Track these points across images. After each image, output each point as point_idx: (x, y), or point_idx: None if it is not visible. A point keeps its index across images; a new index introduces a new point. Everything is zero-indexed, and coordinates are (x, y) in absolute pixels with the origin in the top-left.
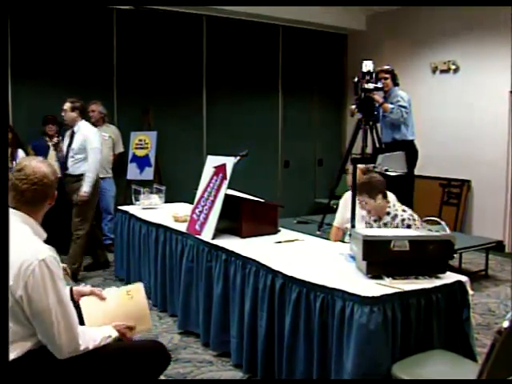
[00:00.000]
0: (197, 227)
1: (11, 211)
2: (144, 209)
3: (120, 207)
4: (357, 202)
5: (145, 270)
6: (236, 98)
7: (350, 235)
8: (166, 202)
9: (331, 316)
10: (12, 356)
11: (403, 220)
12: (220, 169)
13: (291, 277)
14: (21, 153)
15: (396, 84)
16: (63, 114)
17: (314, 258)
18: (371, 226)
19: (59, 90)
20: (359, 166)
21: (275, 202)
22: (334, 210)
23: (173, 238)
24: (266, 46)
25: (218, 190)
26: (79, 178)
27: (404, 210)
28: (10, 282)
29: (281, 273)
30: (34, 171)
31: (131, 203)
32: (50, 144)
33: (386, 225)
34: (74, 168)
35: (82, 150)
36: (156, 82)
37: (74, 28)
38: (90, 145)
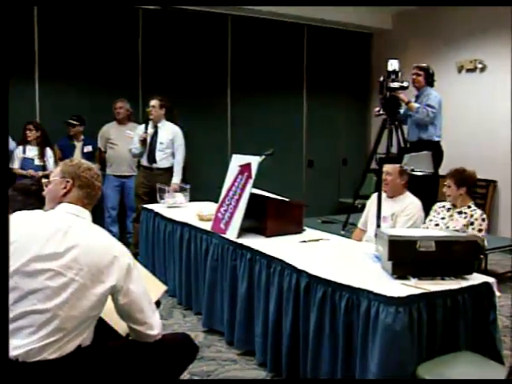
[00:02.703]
0: (222, 226)
1: (83, 210)
2: (169, 207)
3: (145, 205)
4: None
5: (169, 268)
6: (260, 98)
7: (377, 236)
8: (191, 200)
9: (356, 316)
10: (68, 350)
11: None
12: (245, 168)
13: (316, 276)
14: (49, 152)
15: (430, 84)
16: (150, 109)
17: (339, 258)
18: (438, 214)
19: (85, 90)
20: (396, 166)
21: (300, 201)
22: (358, 210)
23: (197, 236)
24: (290, 45)
25: (242, 189)
26: (166, 170)
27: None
28: (109, 278)
29: (306, 272)
30: (97, 171)
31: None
32: (76, 144)
33: (460, 213)
34: (162, 161)
35: (171, 145)
36: (181, 82)
37: (101, 28)
38: (178, 140)
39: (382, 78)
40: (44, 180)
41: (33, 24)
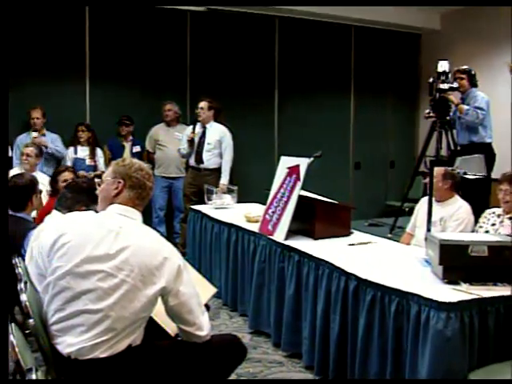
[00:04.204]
0: (269, 228)
1: (134, 211)
2: (216, 208)
3: (193, 206)
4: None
5: (216, 268)
6: (307, 99)
7: (428, 239)
8: (238, 202)
9: (406, 321)
10: (119, 349)
11: None
12: (294, 170)
13: (365, 280)
14: (99, 152)
15: (474, 85)
16: (199, 111)
17: (388, 262)
18: (488, 220)
19: (134, 91)
20: (439, 169)
21: (348, 203)
22: (406, 214)
23: (245, 237)
24: (338, 46)
25: (291, 191)
26: (214, 171)
27: None
28: (160, 280)
29: (354, 275)
30: (149, 171)
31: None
32: (125, 144)
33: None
34: (209, 162)
35: (218, 145)
36: (228, 83)
37: (150, 30)
38: (226, 141)
39: (431, 80)
40: (97, 180)
41: (84, 25)
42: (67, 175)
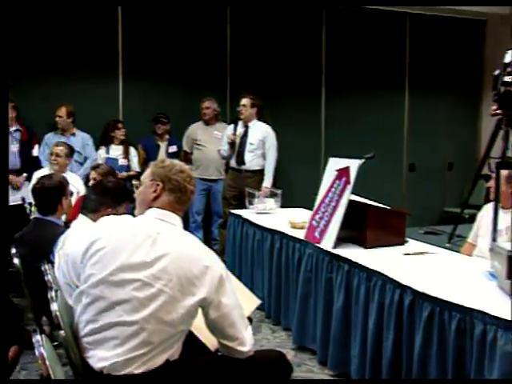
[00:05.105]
0: (316, 235)
1: (174, 216)
2: (258, 213)
3: (233, 211)
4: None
5: (257, 278)
6: (357, 96)
7: (493, 250)
8: (282, 206)
9: (469, 340)
10: (155, 365)
11: None
12: (343, 172)
13: (422, 293)
14: (133, 151)
15: None
16: (240, 109)
17: (448, 274)
18: None
19: (169, 88)
20: (503, 172)
21: (402, 209)
22: (466, 221)
23: (289, 245)
24: (391, 37)
25: (340, 196)
26: (256, 173)
27: None
28: (201, 290)
29: (410, 288)
30: (190, 174)
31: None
32: (161, 143)
33: None
34: (251, 163)
35: (261, 145)
36: (271, 80)
37: (186, 25)
38: (270, 141)
39: (497, 72)
40: (135, 182)
41: (117, 18)
42: (93, 174)
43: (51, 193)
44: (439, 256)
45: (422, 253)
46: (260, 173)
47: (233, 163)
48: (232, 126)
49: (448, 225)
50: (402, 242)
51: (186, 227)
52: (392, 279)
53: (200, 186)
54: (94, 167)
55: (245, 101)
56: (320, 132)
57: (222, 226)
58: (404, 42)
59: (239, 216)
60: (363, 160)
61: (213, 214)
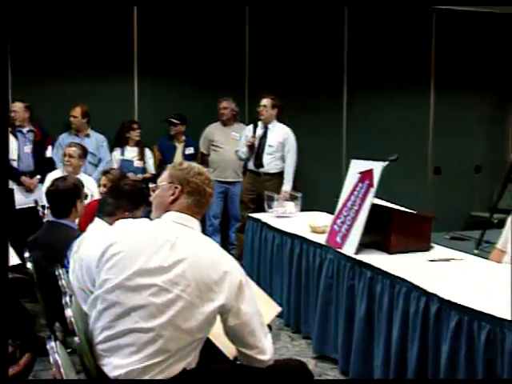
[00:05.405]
0: (338, 240)
1: (192, 220)
2: (278, 217)
3: (252, 214)
4: None
5: (276, 284)
6: (380, 95)
7: None
8: (302, 210)
9: (500, 353)
10: (172, 373)
11: None
12: (366, 175)
13: (449, 301)
14: (148, 152)
15: None
16: (261, 109)
17: (476, 281)
18: None
19: (187, 88)
20: None
21: (427, 213)
22: (495, 226)
23: (310, 250)
24: (415, 33)
25: (363, 199)
26: (275, 175)
27: None
28: (219, 296)
29: (436, 296)
30: (209, 176)
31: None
32: (177, 145)
33: None
34: (270, 166)
35: (281, 148)
36: (291, 79)
37: (203, 20)
38: (290, 143)
39: None
40: (151, 185)
41: (132, 16)
42: (103, 180)
43: (66, 195)
44: (466, 263)
45: (448, 259)
46: (279, 176)
47: (251, 166)
48: (251, 126)
49: (475, 230)
50: (427, 248)
51: (203, 231)
52: (417, 286)
53: (217, 189)
54: (105, 172)
55: (265, 101)
56: (341, 133)
57: (239, 230)
58: (430, 38)
59: (258, 220)
60: (387, 162)
61: (230, 218)
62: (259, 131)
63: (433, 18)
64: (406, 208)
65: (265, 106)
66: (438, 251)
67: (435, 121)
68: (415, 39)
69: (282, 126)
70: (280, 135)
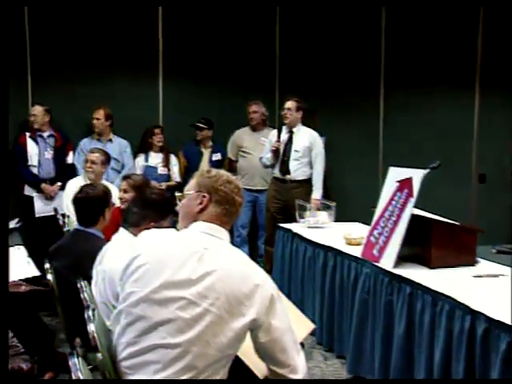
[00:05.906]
0: (375, 252)
1: (221, 230)
2: (310, 228)
3: (282, 224)
4: None
5: (308, 299)
6: (420, 97)
7: None
8: (336, 220)
9: None
10: None
11: None
12: (405, 184)
13: (498, 321)
14: (173, 159)
15: None
16: (285, 112)
17: None
18: None
19: (214, 91)
20: None
21: (472, 225)
22: None
23: (345, 263)
24: (459, 30)
25: (401, 209)
26: (302, 183)
27: None
28: (250, 311)
29: (483, 315)
30: (238, 184)
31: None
32: (204, 151)
33: None
34: (297, 173)
35: (307, 153)
36: (324, 81)
37: (231, 21)
38: (317, 147)
39: None
40: (177, 194)
41: (157, 22)
42: (123, 185)
43: (95, 203)
44: None
45: (495, 275)
46: (306, 183)
47: (276, 172)
48: (275, 131)
49: None
50: (472, 263)
51: (231, 242)
52: (462, 304)
53: (245, 198)
54: (126, 177)
55: (289, 104)
56: (378, 138)
57: (266, 243)
58: (475, 35)
59: (289, 230)
60: (427, 170)
61: (259, 228)
62: (284, 136)
63: (480, 12)
64: (449, 219)
65: (289, 108)
66: (484, 266)
67: (480, 124)
68: (459, 36)
69: (307, 130)
70: (306, 139)
